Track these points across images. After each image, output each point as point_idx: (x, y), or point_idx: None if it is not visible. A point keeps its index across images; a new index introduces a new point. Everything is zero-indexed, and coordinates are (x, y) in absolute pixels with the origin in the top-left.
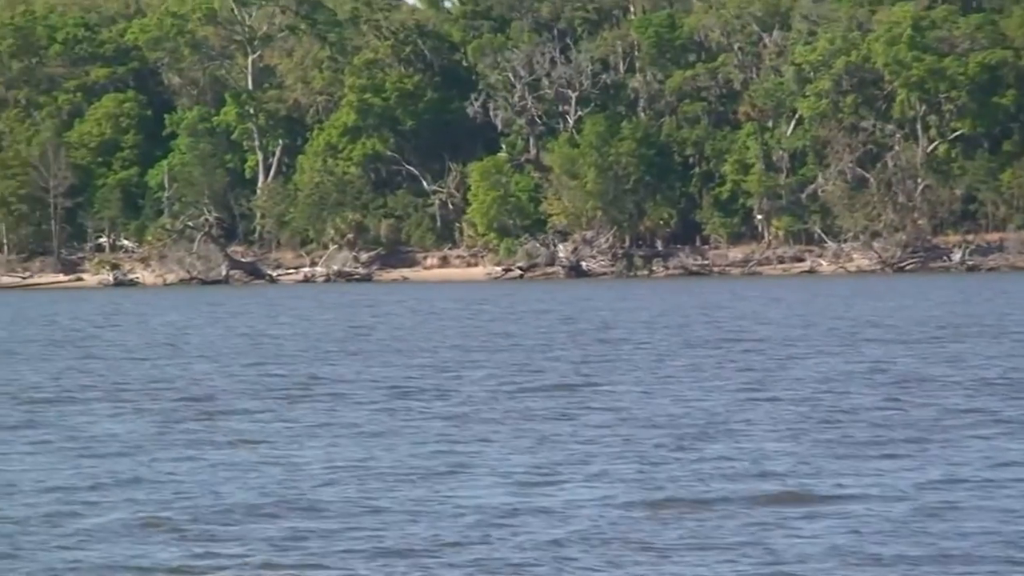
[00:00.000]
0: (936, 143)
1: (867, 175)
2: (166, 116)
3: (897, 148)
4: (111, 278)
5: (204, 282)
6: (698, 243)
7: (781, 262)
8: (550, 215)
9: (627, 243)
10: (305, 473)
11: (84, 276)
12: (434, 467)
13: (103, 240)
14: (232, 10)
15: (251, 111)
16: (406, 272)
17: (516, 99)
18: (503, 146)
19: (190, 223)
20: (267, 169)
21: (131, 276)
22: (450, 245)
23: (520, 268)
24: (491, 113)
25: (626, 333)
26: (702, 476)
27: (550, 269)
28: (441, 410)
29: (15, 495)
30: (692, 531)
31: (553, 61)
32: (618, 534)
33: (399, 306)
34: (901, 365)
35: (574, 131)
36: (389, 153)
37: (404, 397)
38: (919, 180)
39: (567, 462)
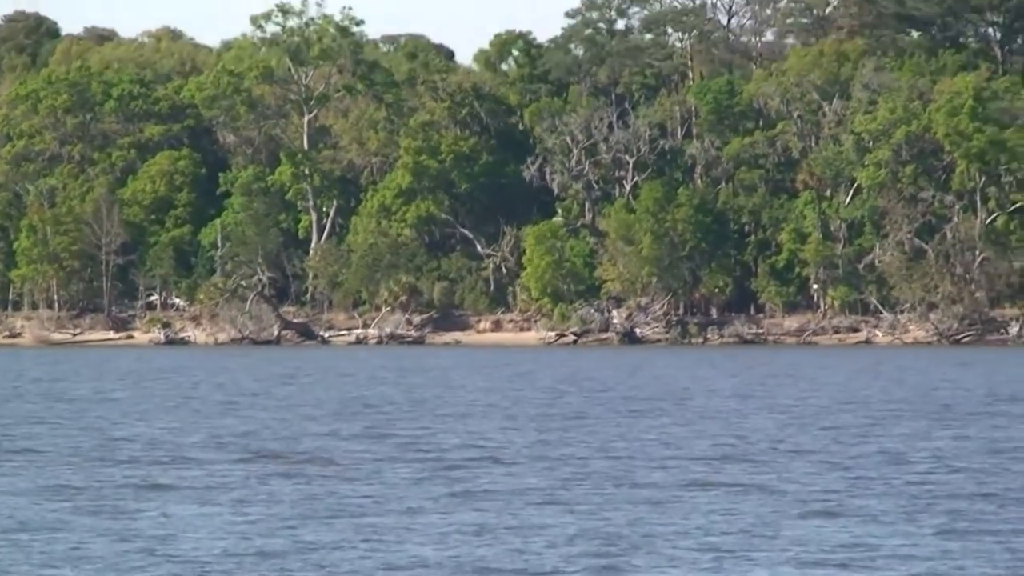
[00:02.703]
0: (995, 215)
1: (925, 246)
2: (220, 175)
3: (956, 219)
4: (162, 336)
5: (255, 342)
6: (753, 312)
7: (836, 332)
8: (605, 280)
9: (681, 310)
10: None
11: (134, 334)
12: None
13: (154, 298)
14: (289, 69)
15: (306, 171)
16: (459, 335)
17: (573, 163)
18: (559, 210)
19: (243, 282)
20: (320, 230)
21: (182, 335)
22: (503, 309)
23: (574, 334)
24: (547, 177)
25: None
26: None
27: (603, 335)
28: None
29: None
30: None
31: (611, 126)
32: None
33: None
34: None
35: (630, 196)
36: (443, 216)
37: None
38: (977, 252)
39: None
